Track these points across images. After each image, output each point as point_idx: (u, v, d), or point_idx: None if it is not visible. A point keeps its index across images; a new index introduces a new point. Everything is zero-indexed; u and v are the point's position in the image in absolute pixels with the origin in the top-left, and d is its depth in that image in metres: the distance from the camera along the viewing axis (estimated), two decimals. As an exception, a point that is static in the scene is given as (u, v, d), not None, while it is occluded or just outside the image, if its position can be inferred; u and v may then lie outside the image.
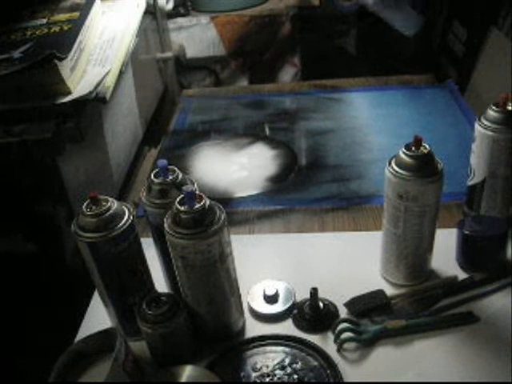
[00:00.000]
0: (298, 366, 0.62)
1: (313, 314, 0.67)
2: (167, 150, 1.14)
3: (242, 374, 0.62)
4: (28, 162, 0.77)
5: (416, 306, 0.68)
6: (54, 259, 0.86)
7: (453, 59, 1.65)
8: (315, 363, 0.62)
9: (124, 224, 0.59)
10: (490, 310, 0.67)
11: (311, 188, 0.96)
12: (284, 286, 0.72)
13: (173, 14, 1.59)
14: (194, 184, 0.63)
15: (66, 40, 0.87)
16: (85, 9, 0.98)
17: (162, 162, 0.61)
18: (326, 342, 0.65)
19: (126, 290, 0.63)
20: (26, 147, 0.75)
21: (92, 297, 0.74)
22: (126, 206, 0.61)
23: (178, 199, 0.57)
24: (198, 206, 0.56)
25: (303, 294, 0.70)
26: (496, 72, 1.31)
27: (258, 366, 0.63)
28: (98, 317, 0.69)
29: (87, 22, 0.94)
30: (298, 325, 0.67)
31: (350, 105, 1.26)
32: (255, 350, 0.65)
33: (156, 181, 0.62)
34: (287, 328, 0.67)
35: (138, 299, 0.63)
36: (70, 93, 0.80)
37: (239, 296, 0.66)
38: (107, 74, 0.87)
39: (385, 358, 0.63)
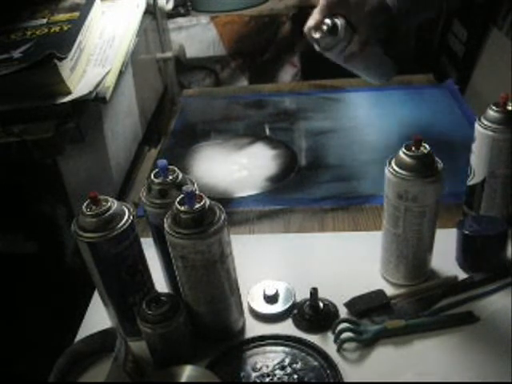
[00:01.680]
0: (298, 365, 0.62)
1: (313, 313, 0.67)
2: (167, 150, 1.14)
3: (242, 374, 0.62)
4: (28, 162, 0.77)
5: (416, 306, 0.68)
6: (54, 259, 0.86)
7: (453, 59, 1.65)
8: (315, 363, 0.62)
9: (124, 224, 0.59)
10: (490, 310, 0.67)
11: (311, 188, 0.96)
12: (284, 286, 0.72)
13: (173, 14, 1.59)
14: (194, 184, 0.63)
15: (66, 40, 0.87)
16: (85, 9, 0.98)
17: (162, 162, 0.61)
18: (325, 342, 0.65)
19: (126, 290, 0.63)
20: (26, 147, 0.75)
21: (92, 297, 0.74)
22: (126, 206, 0.61)
23: (178, 199, 0.57)
24: (198, 205, 0.56)
25: (303, 294, 0.70)
26: (496, 72, 1.31)
27: (258, 366, 0.63)
28: (97, 317, 0.69)
29: (87, 22, 0.94)
30: (298, 325, 0.67)
31: (349, 105, 1.26)
32: (255, 350, 0.65)
33: (156, 181, 0.62)
34: (287, 328, 0.67)
35: (138, 299, 0.63)
36: (69, 93, 0.80)
37: (239, 296, 0.66)
38: (107, 74, 0.87)
39: (385, 358, 0.63)
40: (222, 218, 0.57)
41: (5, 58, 0.83)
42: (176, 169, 0.63)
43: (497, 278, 0.71)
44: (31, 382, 0.88)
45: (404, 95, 1.27)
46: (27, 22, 0.97)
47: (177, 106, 1.35)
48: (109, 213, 0.58)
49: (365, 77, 1.05)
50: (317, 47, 0.91)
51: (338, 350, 0.63)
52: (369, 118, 1.19)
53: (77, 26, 0.92)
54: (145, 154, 1.17)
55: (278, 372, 0.62)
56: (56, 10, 1.01)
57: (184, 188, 0.56)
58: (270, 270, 0.77)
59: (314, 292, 0.67)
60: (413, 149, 0.63)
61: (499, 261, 0.73)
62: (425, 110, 1.19)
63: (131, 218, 0.60)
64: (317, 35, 0.88)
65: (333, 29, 0.86)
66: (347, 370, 0.61)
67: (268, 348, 0.65)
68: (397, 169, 0.63)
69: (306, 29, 0.90)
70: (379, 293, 0.70)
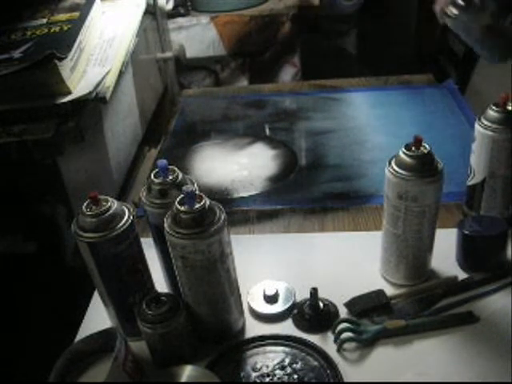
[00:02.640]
0: (298, 365, 0.62)
1: (313, 313, 0.67)
2: (167, 150, 1.14)
3: (242, 374, 0.62)
4: (28, 162, 0.77)
5: (416, 306, 0.68)
6: (54, 259, 0.86)
7: (453, 59, 1.65)
8: (315, 363, 0.62)
9: (124, 224, 0.59)
10: (490, 310, 0.67)
11: (311, 188, 0.96)
12: (284, 286, 0.72)
13: (173, 14, 1.59)
14: (194, 184, 0.63)
15: (65, 40, 0.87)
16: (85, 9, 0.98)
17: (162, 162, 0.61)
18: (325, 342, 0.65)
19: (126, 289, 0.63)
20: (26, 147, 0.75)
21: (92, 297, 0.74)
22: (126, 206, 0.61)
23: (178, 199, 0.57)
24: (197, 205, 0.56)
25: (303, 294, 0.70)
26: (496, 72, 1.31)
27: (258, 366, 0.63)
28: (98, 317, 0.69)
29: (87, 22, 0.94)
30: (298, 325, 0.67)
31: (350, 105, 1.26)
32: (255, 350, 0.65)
33: (156, 181, 0.62)
34: (287, 328, 0.67)
35: (138, 299, 0.63)
36: (69, 93, 0.80)
37: (239, 296, 0.66)
38: (107, 74, 0.87)
39: (385, 358, 0.63)
40: (222, 218, 0.57)
41: (5, 58, 0.83)
42: (176, 169, 0.63)
43: (497, 278, 0.71)
44: (31, 381, 0.88)
45: (404, 95, 1.27)
46: (27, 22, 0.97)
47: (177, 106, 1.35)
48: (109, 213, 0.58)
49: (489, 57, 1.07)
50: (451, 25, 0.92)
51: (338, 350, 0.63)
52: (369, 118, 1.19)
53: (77, 26, 0.92)
54: (145, 154, 1.17)
55: (278, 372, 0.62)
56: (56, 9, 1.01)
57: (184, 188, 0.56)
58: (270, 270, 0.77)
59: (314, 292, 0.67)
60: (413, 149, 0.63)
61: (499, 261, 0.73)
62: (425, 110, 1.19)
63: (131, 218, 0.60)
64: (454, 11, 0.89)
65: (467, 2, 0.88)
66: (347, 370, 0.61)
67: (268, 348, 0.65)
68: (397, 169, 0.63)
69: (437, 8, 0.90)
70: (379, 293, 0.70)
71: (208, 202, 0.57)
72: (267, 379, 0.61)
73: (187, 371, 0.59)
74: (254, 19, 1.67)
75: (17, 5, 1.03)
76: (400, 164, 0.63)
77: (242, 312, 0.68)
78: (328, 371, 0.61)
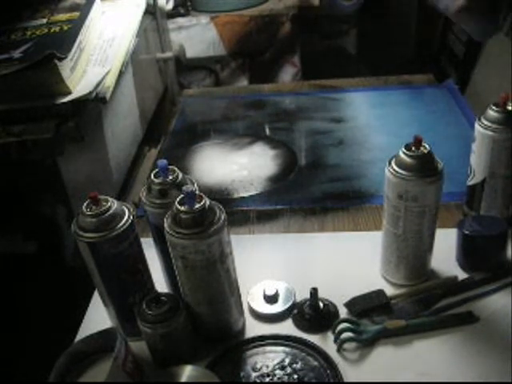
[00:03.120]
0: (298, 365, 0.62)
1: (313, 313, 0.67)
2: (167, 150, 1.14)
3: (241, 374, 0.62)
4: (28, 162, 0.77)
5: (416, 306, 0.68)
6: (54, 259, 0.86)
7: (453, 59, 1.65)
8: (315, 363, 0.62)
9: (124, 224, 0.59)
10: (490, 310, 0.67)
11: (311, 188, 0.97)
12: (284, 286, 0.72)
13: (173, 14, 1.59)
14: (194, 184, 0.63)
15: (65, 40, 0.87)
16: (85, 9, 0.98)
17: (162, 162, 0.61)
18: (325, 342, 0.65)
19: (126, 289, 0.63)
20: (26, 147, 0.75)
21: (92, 297, 0.74)
22: (126, 206, 0.61)
23: (178, 199, 0.57)
24: (197, 205, 0.56)
25: (303, 294, 0.70)
26: (496, 72, 1.31)
27: (258, 366, 0.63)
28: (98, 317, 0.69)
29: (87, 22, 0.94)
30: (298, 325, 0.67)
31: (349, 105, 1.26)
32: (255, 350, 0.65)
33: (156, 181, 0.62)
34: (287, 328, 0.67)
35: (138, 299, 0.63)
36: (69, 93, 0.80)
37: (239, 296, 0.66)
38: (107, 74, 0.87)
39: (385, 357, 0.63)
40: (222, 218, 0.57)
41: (5, 58, 0.83)
42: (176, 169, 0.63)
43: (497, 278, 0.71)
44: (31, 382, 0.88)
45: (404, 95, 1.27)
46: (27, 22, 0.97)
47: (177, 106, 1.35)
48: (109, 213, 0.58)
49: (469, 31, 1.09)
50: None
51: (338, 350, 0.63)
52: (369, 118, 1.19)
53: (77, 26, 0.92)
54: (145, 154, 1.17)
55: (278, 372, 0.62)
56: (56, 9, 1.01)
57: (184, 188, 0.56)
58: (270, 270, 0.77)
59: (314, 292, 0.67)
60: (413, 149, 0.63)
61: (499, 261, 0.73)
62: (425, 109, 1.19)
63: (131, 217, 0.60)
64: None
65: None
66: (347, 370, 0.61)
67: (268, 348, 0.65)
68: (397, 169, 0.63)
69: None
70: (379, 293, 0.70)
71: (208, 202, 0.57)
72: (267, 379, 0.61)
73: (187, 371, 0.59)
74: (253, 19, 1.67)
75: (17, 5, 1.03)
76: (400, 164, 0.63)
77: (241, 312, 0.68)
78: (328, 371, 0.61)
